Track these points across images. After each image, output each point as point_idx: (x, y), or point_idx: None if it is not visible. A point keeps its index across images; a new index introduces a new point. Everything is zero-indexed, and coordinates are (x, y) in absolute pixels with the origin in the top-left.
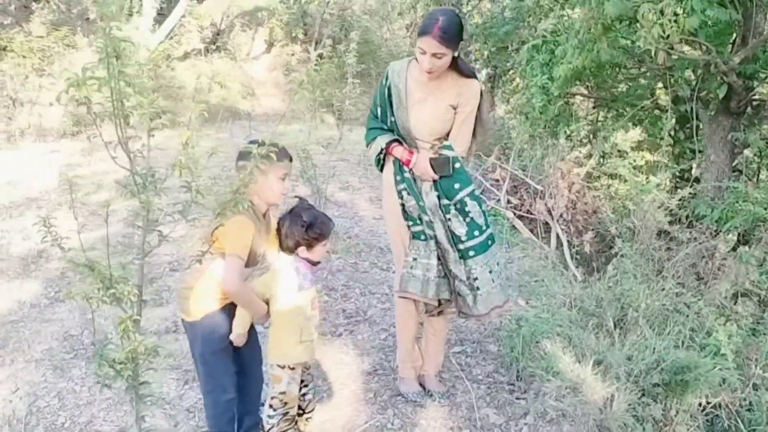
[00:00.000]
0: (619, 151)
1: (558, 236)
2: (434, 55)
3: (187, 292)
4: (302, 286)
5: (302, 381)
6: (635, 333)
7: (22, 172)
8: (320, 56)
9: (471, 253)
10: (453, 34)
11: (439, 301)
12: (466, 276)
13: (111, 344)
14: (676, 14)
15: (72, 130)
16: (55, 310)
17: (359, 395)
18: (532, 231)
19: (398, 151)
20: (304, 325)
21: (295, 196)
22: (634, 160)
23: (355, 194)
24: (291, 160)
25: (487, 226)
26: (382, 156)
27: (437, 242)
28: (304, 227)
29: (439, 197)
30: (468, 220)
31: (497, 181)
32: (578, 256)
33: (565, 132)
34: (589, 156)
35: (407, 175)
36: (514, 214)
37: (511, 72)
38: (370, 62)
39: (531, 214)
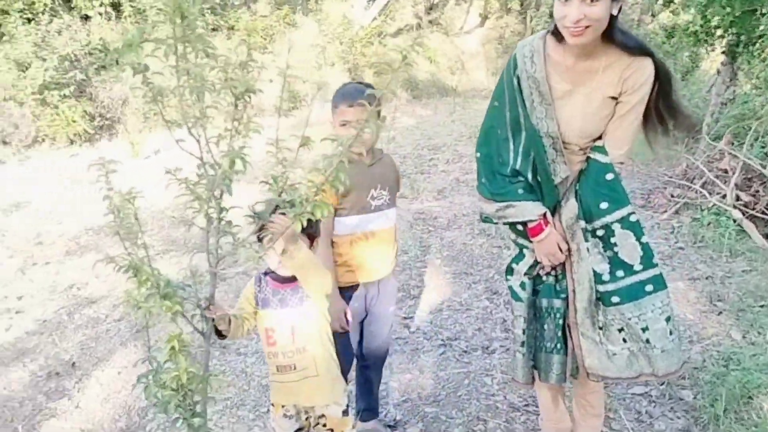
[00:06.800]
0: None
1: None
2: None
3: None
4: (264, 302)
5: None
6: None
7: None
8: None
9: (614, 298)
10: None
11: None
12: (619, 326)
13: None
14: None
15: (288, 106)
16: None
17: None
18: (767, 237)
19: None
20: (269, 360)
21: None
22: None
23: None
24: (353, 105)
25: (647, 266)
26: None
27: (556, 288)
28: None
29: (577, 215)
30: (610, 254)
31: (725, 171)
32: None
33: None
34: None
35: None
36: (744, 214)
37: (762, 40)
38: None
39: (767, 214)
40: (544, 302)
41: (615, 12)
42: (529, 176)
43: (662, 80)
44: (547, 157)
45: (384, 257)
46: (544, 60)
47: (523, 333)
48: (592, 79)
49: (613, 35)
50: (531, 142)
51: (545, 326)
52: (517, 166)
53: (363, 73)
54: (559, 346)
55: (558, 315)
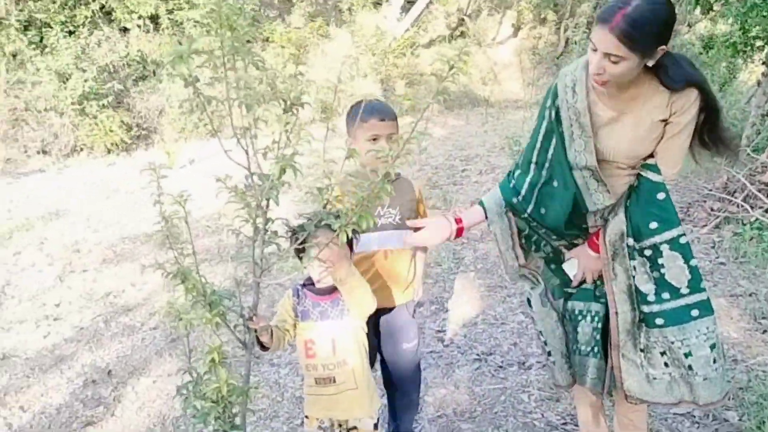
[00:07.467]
0: None
1: None
2: (607, 55)
3: None
4: (304, 314)
5: None
6: None
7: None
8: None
9: (658, 320)
10: (647, 32)
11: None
12: (662, 349)
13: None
14: None
15: (320, 117)
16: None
17: None
18: None
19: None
20: (307, 372)
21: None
22: None
23: None
24: (385, 119)
25: (694, 290)
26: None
27: (595, 293)
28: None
29: (624, 233)
30: (657, 275)
31: (767, 185)
32: None
33: None
34: None
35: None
36: None
37: None
38: None
39: None
40: (580, 305)
41: (650, 64)
42: (530, 208)
43: (709, 112)
44: (588, 188)
45: (390, 283)
46: (587, 90)
47: (546, 344)
48: (638, 105)
49: (657, 72)
50: (553, 174)
51: (578, 329)
52: (522, 191)
53: (395, 84)
54: (596, 349)
55: (597, 318)
